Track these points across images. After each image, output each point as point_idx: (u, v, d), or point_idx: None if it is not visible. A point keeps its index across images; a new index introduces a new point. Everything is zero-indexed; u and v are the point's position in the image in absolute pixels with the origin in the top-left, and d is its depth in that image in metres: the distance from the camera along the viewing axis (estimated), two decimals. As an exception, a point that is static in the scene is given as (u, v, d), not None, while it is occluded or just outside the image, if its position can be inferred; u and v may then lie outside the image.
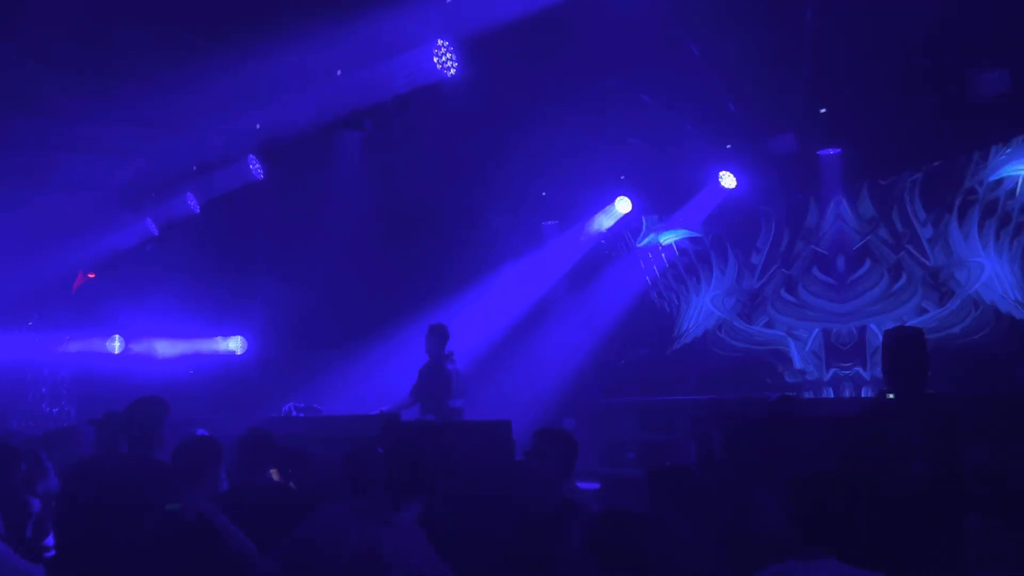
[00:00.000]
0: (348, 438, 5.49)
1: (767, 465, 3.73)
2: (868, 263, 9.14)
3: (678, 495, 3.52)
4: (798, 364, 9.59)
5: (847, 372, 9.16)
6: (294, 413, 6.94)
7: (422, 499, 4.22)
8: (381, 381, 9.26)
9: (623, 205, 10.39)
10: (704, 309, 10.47)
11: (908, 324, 8.41)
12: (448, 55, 6.00)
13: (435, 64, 5.98)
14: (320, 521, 3.59)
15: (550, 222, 11.44)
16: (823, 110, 7.85)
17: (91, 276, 11.78)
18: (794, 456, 3.79)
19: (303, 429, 6.34)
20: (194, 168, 9.38)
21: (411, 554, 3.51)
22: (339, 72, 6.78)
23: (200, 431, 4.89)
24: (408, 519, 3.84)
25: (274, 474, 4.26)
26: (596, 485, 8.27)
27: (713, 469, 4.05)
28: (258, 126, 8.13)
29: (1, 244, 11.32)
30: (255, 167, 8.59)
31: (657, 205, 10.49)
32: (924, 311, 8.67)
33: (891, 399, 5.97)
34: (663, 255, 10.74)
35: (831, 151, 8.16)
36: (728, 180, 9.06)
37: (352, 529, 3.51)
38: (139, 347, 11.32)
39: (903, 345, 6.21)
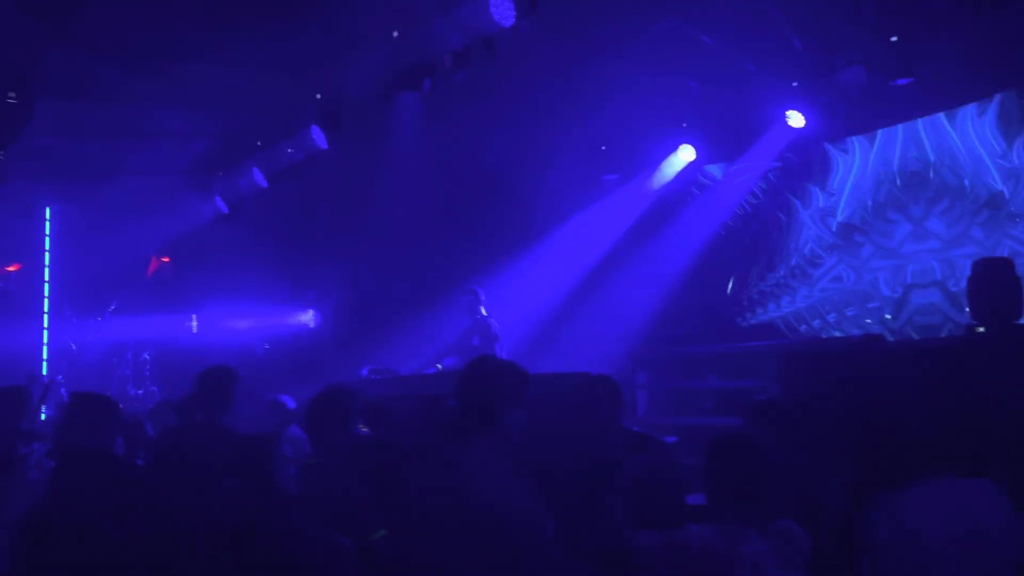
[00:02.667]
0: (427, 396, 5.61)
1: (860, 401, 3.63)
2: (948, 196, 8.79)
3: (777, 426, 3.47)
4: (877, 307, 9.33)
5: (929, 313, 8.87)
6: (373, 376, 7.06)
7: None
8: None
9: (686, 153, 10.17)
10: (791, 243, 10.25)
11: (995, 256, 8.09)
12: (506, 4, 5.91)
13: (492, 15, 5.89)
14: None
15: (611, 176, 11.28)
16: (894, 38, 7.50)
17: (165, 260, 12.13)
18: (888, 393, 3.68)
19: (384, 389, 6.48)
20: (258, 143, 9.49)
21: None
22: (395, 33, 6.74)
23: (285, 398, 5.00)
24: None
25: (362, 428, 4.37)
26: (674, 439, 8.18)
27: (803, 408, 3.98)
28: (318, 96, 8.19)
29: (79, 232, 11.74)
30: (318, 137, 8.65)
31: (721, 151, 10.23)
32: (1004, 244, 8.32)
33: (981, 332, 5.75)
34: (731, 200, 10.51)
35: (904, 81, 7.79)
36: (796, 119, 8.77)
37: None
38: (217, 325, 11.61)
39: (991, 275, 5.96)
